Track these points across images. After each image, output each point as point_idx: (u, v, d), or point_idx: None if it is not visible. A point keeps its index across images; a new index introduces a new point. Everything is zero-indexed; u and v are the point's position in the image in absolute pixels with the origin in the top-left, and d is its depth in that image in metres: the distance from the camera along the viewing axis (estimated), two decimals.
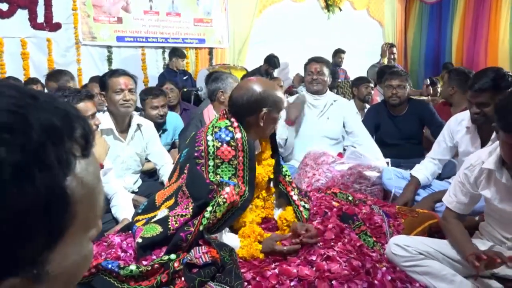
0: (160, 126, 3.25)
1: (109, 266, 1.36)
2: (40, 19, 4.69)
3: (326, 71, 3.03)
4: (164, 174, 2.49)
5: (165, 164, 2.55)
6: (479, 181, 1.66)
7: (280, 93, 1.72)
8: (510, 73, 2.16)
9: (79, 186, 0.37)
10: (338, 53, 6.51)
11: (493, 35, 7.55)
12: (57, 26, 4.79)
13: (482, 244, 1.68)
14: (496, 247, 1.66)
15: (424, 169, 2.49)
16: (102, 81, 2.40)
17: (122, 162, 2.45)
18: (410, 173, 2.52)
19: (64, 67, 4.65)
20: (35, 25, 4.66)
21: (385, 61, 5.86)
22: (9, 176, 0.31)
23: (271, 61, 5.75)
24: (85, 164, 0.38)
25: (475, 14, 7.81)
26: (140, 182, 2.60)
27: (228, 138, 1.61)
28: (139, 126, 2.50)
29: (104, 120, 2.33)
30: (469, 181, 1.68)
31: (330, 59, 6.11)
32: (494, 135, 2.19)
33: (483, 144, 2.22)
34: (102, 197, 0.42)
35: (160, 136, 3.22)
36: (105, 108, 2.52)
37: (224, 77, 2.85)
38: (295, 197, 1.85)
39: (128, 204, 2.14)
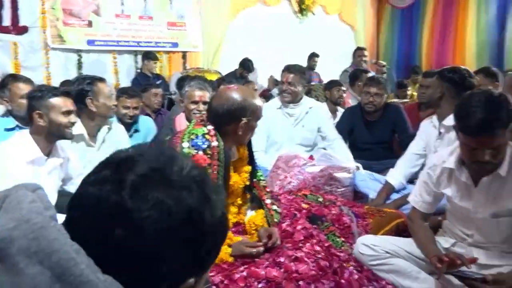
0: (132, 126, 3.23)
1: None
2: (6, 22, 4.57)
3: (298, 81, 2.94)
4: None
5: None
6: (441, 180, 1.71)
7: (259, 101, 1.71)
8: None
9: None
10: (312, 56, 6.59)
11: (460, 38, 7.80)
12: (24, 29, 4.68)
13: (445, 241, 1.73)
14: (458, 243, 1.71)
15: (398, 174, 2.53)
16: (82, 90, 2.37)
17: None
18: (386, 180, 2.56)
19: (31, 72, 4.54)
20: (0, 29, 4.53)
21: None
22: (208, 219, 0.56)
23: (246, 65, 5.77)
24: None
25: (443, 18, 8.05)
26: None
27: (204, 146, 1.60)
28: (109, 129, 2.48)
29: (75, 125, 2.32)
30: (432, 180, 1.74)
31: (305, 63, 6.19)
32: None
33: (439, 134, 2.38)
34: None
35: (131, 136, 3.20)
36: None
37: (182, 85, 2.85)
38: (267, 201, 1.86)
39: None
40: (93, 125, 2.40)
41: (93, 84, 2.36)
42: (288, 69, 3.01)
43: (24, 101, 2.27)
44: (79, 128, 2.32)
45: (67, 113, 1.97)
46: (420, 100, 3.41)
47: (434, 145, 2.38)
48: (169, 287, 0.54)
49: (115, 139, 2.50)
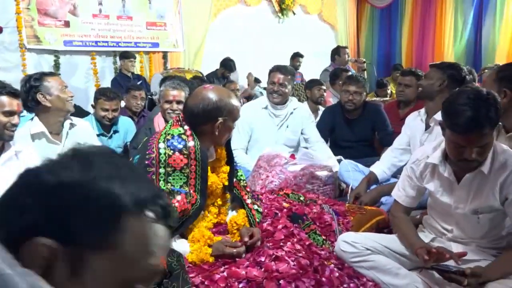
0: (111, 127, 3.19)
1: None
2: None
3: (289, 82, 2.92)
4: None
5: None
6: (424, 175, 1.73)
7: (235, 101, 1.69)
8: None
9: (135, 226, 0.58)
10: (296, 56, 6.58)
11: (439, 38, 7.95)
12: None
13: (425, 237, 1.75)
14: (437, 239, 1.73)
15: (382, 164, 2.55)
16: (31, 87, 2.30)
17: None
18: (370, 170, 2.57)
19: (6, 72, 4.44)
20: None
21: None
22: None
23: (228, 65, 5.74)
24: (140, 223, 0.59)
25: (422, 18, 8.19)
26: None
27: (180, 146, 1.58)
28: (72, 125, 2.42)
29: (34, 124, 2.27)
30: (415, 174, 1.75)
31: (287, 62, 6.19)
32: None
33: (426, 127, 2.37)
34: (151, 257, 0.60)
35: (111, 137, 3.18)
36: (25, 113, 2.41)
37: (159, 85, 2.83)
38: (248, 201, 1.84)
39: None
40: (54, 122, 2.34)
41: (41, 79, 2.29)
42: (279, 69, 2.95)
43: None
44: (38, 126, 2.28)
45: (9, 113, 1.89)
46: (399, 98, 3.46)
47: (421, 139, 2.37)
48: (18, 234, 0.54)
49: (80, 136, 2.43)
